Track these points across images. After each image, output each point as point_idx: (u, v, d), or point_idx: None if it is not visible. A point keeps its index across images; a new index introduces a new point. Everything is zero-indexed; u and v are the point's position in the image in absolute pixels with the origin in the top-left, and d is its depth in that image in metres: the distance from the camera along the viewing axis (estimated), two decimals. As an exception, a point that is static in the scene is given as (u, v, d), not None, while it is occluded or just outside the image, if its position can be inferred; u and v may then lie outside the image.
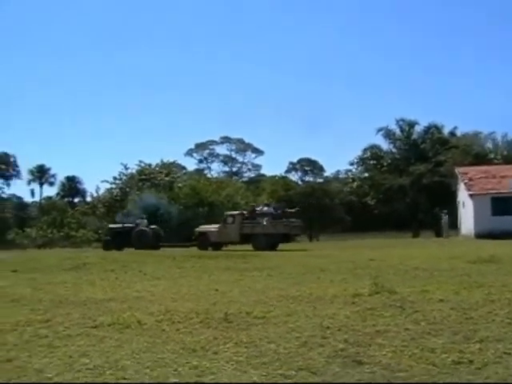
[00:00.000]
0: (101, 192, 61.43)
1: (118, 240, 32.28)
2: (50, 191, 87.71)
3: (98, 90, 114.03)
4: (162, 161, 61.68)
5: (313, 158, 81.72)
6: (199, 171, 79.54)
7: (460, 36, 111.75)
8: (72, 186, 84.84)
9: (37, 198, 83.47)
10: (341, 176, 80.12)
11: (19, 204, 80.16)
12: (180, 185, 54.68)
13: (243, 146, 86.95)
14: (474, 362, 5.32)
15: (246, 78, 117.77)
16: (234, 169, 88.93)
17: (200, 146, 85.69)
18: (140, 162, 60.46)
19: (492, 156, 61.43)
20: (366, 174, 71.30)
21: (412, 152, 66.19)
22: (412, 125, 66.93)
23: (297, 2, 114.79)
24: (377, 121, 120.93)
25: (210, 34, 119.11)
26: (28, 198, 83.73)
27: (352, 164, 72.86)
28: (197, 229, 31.20)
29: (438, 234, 46.91)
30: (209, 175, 76.87)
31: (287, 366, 5.31)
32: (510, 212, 34.56)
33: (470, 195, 37.16)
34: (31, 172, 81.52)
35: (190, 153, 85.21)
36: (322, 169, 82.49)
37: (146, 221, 34.41)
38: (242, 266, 17.29)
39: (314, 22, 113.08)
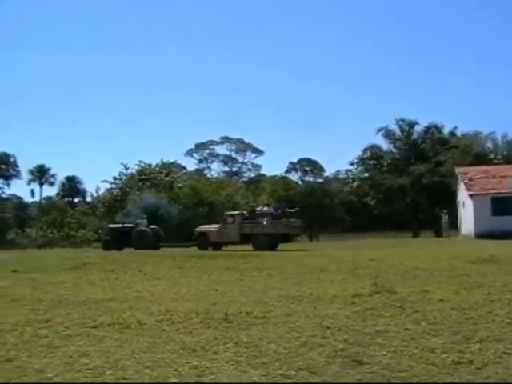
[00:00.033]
0: (101, 192, 61.51)
1: (118, 240, 32.30)
2: (50, 191, 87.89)
3: (98, 90, 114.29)
4: (162, 161, 61.73)
5: (313, 158, 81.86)
6: (199, 171, 79.56)
7: (460, 36, 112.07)
8: (72, 186, 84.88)
9: (37, 198, 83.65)
10: (341, 176, 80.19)
11: (19, 204, 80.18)
12: (180, 185, 54.69)
13: (243, 146, 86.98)
14: (474, 362, 5.32)
15: (246, 77, 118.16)
16: (234, 169, 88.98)
17: (200, 146, 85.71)
18: (140, 162, 60.54)
19: (492, 156, 61.45)
20: (366, 174, 71.31)
21: (412, 152, 66.19)
22: (412, 125, 66.95)
23: (297, 2, 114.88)
24: (377, 121, 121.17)
25: (211, 34, 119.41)
26: (28, 198, 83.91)
27: (352, 164, 72.99)
28: (197, 229, 31.21)
29: (438, 234, 46.92)
30: (209, 175, 76.94)
31: (287, 366, 5.31)
32: (510, 212, 34.56)
33: (470, 195, 37.16)
34: (31, 172, 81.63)
35: (190, 153, 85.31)
36: (322, 169, 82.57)
37: (145, 221, 34.42)
38: (242, 266, 17.29)
39: (314, 22, 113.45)
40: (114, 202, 56.26)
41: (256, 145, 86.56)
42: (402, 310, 8.02)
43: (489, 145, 65.84)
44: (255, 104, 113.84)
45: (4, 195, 78.04)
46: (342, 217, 70.16)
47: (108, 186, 60.68)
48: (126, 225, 33.75)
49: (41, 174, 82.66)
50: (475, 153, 58.66)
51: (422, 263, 15.65)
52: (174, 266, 17.93)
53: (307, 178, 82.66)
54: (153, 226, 33.93)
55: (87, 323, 7.68)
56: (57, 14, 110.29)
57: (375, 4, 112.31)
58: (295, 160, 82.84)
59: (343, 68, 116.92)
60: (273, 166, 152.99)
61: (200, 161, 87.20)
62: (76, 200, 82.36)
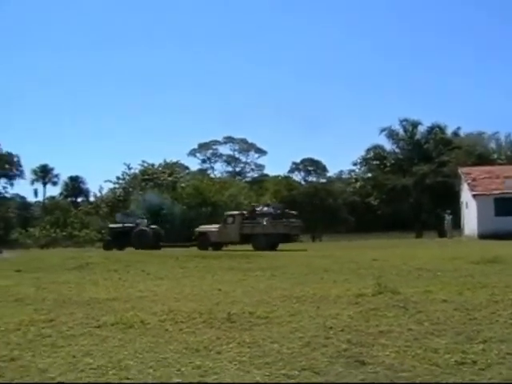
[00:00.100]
0: (104, 192, 61.71)
1: (119, 240, 32.40)
2: (54, 191, 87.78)
3: (99, 90, 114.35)
4: (165, 161, 61.86)
5: (316, 158, 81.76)
6: (202, 171, 79.58)
7: (461, 36, 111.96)
8: (75, 186, 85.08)
9: (40, 198, 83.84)
10: (344, 176, 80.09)
11: (22, 204, 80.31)
12: (183, 185, 54.71)
13: (246, 146, 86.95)
14: (478, 362, 5.31)
15: (246, 77, 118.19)
16: (237, 169, 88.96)
17: (203, 146, 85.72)
18: (143, 162, 60.66)
19: (495, 156, 61.45)
20: (369, 174, 71.29)
21: (415, 152, 66.14)
22: (415, 125, 66.92)
23: (297, 2, 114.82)
24: (378, 121, 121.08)
25: (211, 34, 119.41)
26: (31, 198, 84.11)
27: (355, 164, 72.98)
28: (197, 229, 31.27)
29: (442, 235, 46.86)
30: (212, 175, 76.94)
31: (290, 366, 5.31)
32: (513, 212, 34.52)
33: (474, 195, 37.09)
34: (34, 172, 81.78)
35: (193, 153, 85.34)
36: (325, 169, 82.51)
37: (146, 221, 34.55)
38: (245, 266, 17.30)
39: (314, 22, 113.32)
40: (117, 202, 56.39)
41: (259, 145, 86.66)
42: (405, 310, 8.01)
43: (492, 145, 65.91)
44: (256, 104, 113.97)
45: (7, 195, 78.11)
46: (345, 217, 70.13)
47: (111, 185, 60.91)
48: (126, 225, 33.82)
49: (44, 174, 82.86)
50: (479, 153, 58.63)
51: (425, 264, 15.63)
52: (177, 265, 17.94)
53: (310, 178, 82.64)
54: (153, 226, 34.01)
55: (90, 323, 7.69)
56: (57, 14, 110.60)
57: (375, 4, 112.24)
58: (298, 160, 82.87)
59: (344, 68, 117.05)
60: (276, 166, 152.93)
61: (203, 161, 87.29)
62: (79, 200, 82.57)
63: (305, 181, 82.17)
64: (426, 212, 61.68)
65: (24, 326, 7.56)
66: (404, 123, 66.87)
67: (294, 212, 31.45)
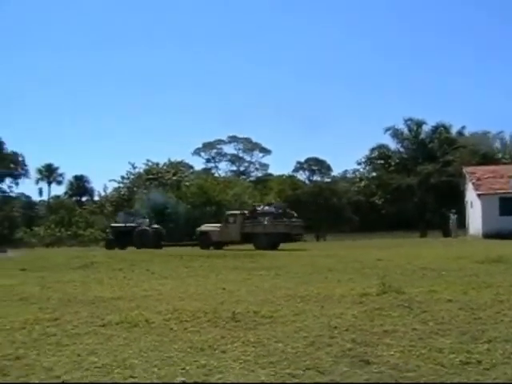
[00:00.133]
0: (108, 191, 61.75)
1: (121, 239, 32.52)
2: (58, 190, 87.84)
3: (99, 90, 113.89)
4: (169, 160, 61.90)
5: (320, 157, 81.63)
6: (207, 170, 79.53)
7: (465, 35, 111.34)
8: (80, 185, 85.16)
9: (45, 197, 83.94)
10: (348, 176, 79.92)
11: (27, 203, 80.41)
12: (187, 184, 54.75)
13: (251, 146, 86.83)
14: (483, 362, 5.30)
15: (246, 77, 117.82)
16: (242, 168, 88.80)
17: (208, 146, 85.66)
18: (148, 161, 60.71)
19: (500, 156, 61.26)
20: (374, 174, 71.16)
21: (420, 152, 66.01)
22: (420, 124, 66.77)
23: (297, 2, 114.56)
24: (384, 121, 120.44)
25: (211, 34, 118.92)
26: (36, 197, 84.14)
27: (359, 164, 72.79)
28: (198, 228, 31.36)
29: (446, 234, 46.77)
30: (216, 174, 76.92)
31: (295, 366, 5.32)
32: (518, 212, 34.45)
33: (478, 195, 37.02)
34: (39, 171, 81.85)
35: (197, 152, 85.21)
36: (329, 168, 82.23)
37: (147, 220, 34.64)
38: (249, 265, 17.31)
39: (314, 22, 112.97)
40: (121, 201, 56.42)
41: (263, 144, 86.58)
42: (409, 309, 8.01)
43: (497, 144, 65.72)
44: (257, 104, 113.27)
45: (12, 194, 78.30)
46: (350, 216, 69.99)
47: (116, 185, 60.95)
48: (128, 224, 33.91)
49: (49, 173, 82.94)
50: (483, 152, 58.48)
51: (429, 263, 15.61)
52: (181, 265, 17.97)
53: (315, 178, 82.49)
54: (155, 226, 34.08)
55: (95, 322, 7.71)
56: (57, 14, 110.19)
57: (375, 4, 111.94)
58: (303, 159, 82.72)
59: (345, 67, 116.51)
60: (280, 165, 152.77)
61: (207, 160, 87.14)
62: (84, 199, 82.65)
63: (309, 180, 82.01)
64: (430, 211, 61.52)
65: (29, 325, 7.59)
66: (408, 122, 66.76)
67: (293, 212, 31.45)
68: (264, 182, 77.26)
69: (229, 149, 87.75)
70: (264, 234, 28.37)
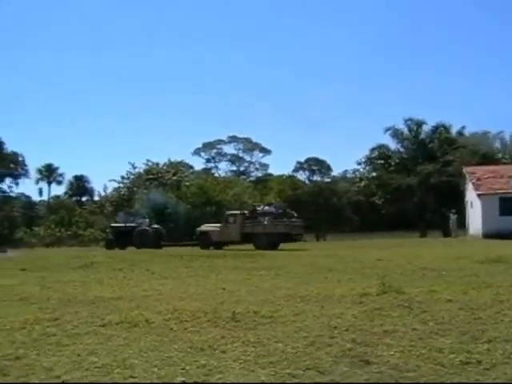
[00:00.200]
0: (108, 191, 61.76)
1: (121, 239, 32.55)
2: (58, 190, 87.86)
3: (99, 90, 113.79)
4: (169, 160, 61.90)
5: (320, 157, 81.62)
6: (207, 170, 79.54)
7: (469, 35, 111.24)
8: (80, 185, 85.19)
9: (45, 197, 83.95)
10: (348, 176, 79.92)
11: (27, 203, 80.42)
12: (187, 184, 54.76)
13: (251, 146, 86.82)
14: (483, 362, 5.30)
15: (249, 78, 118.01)
16: (242, 168, 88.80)
17: (208, 146, 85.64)
18: (148, 161, 60.74)
19: (500, 156, 61.26)
20: (374, 174, 71.18)
21: (420, 151, 66.03)
22: (420, 124, 66.80)
23: (297, 2, 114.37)
24: (384, 120, 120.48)
25: (211, 34, 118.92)
26: (36, 197, 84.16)
27: (359, 164, 72.82)
28: (198, 228, 31.39)
29: (446, 234, 46.78)
30: (216, 174, 76.92)
31: (295, 366, 5.32)
32: (518, 212, 34.45)
33: (478, 195, 37.02)
34: (39, 171, 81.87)
35: (197, 152, 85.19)
36: (329, 168, 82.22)
37: (147, 220, 34.66)
38: (249, 265, 17.32)
39: (314, 21, 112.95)
40: (121, 201, 56.44)
41: (263, 144, 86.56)
42: (409, 309, 8.01)
43: (497, 144, 65.74)
44: (257, 104, 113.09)
45: (12, 194, 78.34)
46: (350, 216, 69.99)
47: (116, 185, 60.97)
48: (128, 224, 33.94)
49: (49, 173, 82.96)
50: (483, 152, 58.49)
51: (429, 263, 15.62)
52: (181, 265, 17.97)
53: (315, 178, 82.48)
54: (155, 226, 34.10)
55: (95, 322, 7.71)
56: (57, 14, 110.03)
57: (375, 4, 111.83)
58: (303, 159, 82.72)
59: (344, 67, 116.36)
60: (280, 165, 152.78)
61: (207, 160, 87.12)
62: (84, 199, 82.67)
63: (309, 180, 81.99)
64: (430, 211, 61.52)
65: (29, 325, 7.59)
66: (408, 122, 66.80)
67: (293, 212, 31.46)
68: (264, 182, 77.27)
69: (229, 149, 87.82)
70: (264, 234, 28.39)
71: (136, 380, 5.02)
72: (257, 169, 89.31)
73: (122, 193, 59.18)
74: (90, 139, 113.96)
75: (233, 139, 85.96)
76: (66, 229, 54.28)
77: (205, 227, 31.16)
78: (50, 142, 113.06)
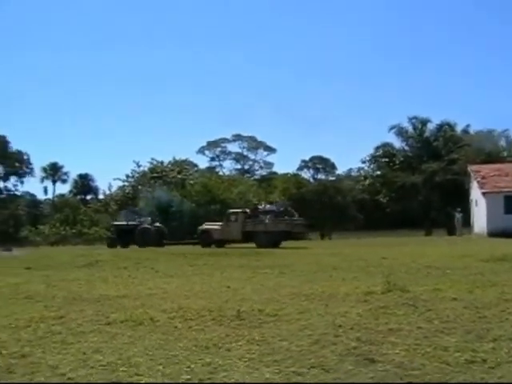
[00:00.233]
0: (113, 189, 61.94)
1: (123, 237, 32.59)
2: (63, 189, 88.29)
3: (99, 90, 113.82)
4: (174, 158, 62.00)
5: (325, 155, 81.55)
6: (211, 169, 79.61)
7: (473, 34, 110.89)
8: (84, 184, 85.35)
9: (50, 196, 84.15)
10: (353, 174, 79.84)
11: (32, 201, 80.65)
12: (192, 182, 54.81)
13: (255, 144, 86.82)
14: (488, 361, 5.29)
15: (249, 77, 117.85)
16: (246, 166, 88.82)
17: (212, 144, 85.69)
18: (152, 159, 60.90)
19: (505, 154, 61.07)
20: (378, 172, 71.09)
21: (424, 150, 65.92)
22: (424, 122, 66.74)
23: (297, 2, 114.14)
24: (388, 119, 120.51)
25: (211, 34, 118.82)
26: (41, 196, 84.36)
27: (364, 162, 72.78)
28: (200, 227, 31.43)
29: (451, 233, 46.66)
30: (221, 173, 76.96)
31: (299, 364, 5.32)
32: (523, 210, 34.36)
33: (483, 193, 36.90)
34: (44, 170, 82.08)
35: (202, 150, 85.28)
36: (333, 167, 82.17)
37: (149, 219, 34.68)
38: (254, 263, 17.32)
39: (316, 21, 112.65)
40: (126, 200, 56.56)
41: (268, 143, 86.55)
42: (414, 308, 8.00)
43: (502, 143, 65.50)
44: (259, 103, 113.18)
45: (17, 192, 78.60)
46: (354, 215, 69.90)
47: (120, 183, 61.13)
48: (130, 222, 34.00)
49: (54, 172, 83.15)
50: (488, 151, 58.30)
51: (434, 261, 15.59)
52: (186, 263, 17.98)
53: (319, 176, 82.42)
54: (157, 224, 34.12)
55: (100, 320, 7.73)
56: (57, 14, 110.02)
57: (376, 4, 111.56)
58: (307, 158, 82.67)
59: (348, 66, 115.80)
60: (285, 163, 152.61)
61: (212, 158, 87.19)
62: (88, 197, 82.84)
63: (314, 178, 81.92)
64: (435, 210, 61.43)
65: (34, 323, 7.61)
66: (413, 121, 66.75)
67: (293, 211, 31.46)
68: (268, 180, 77.23)
69: (233, 147, 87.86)
70: (265, 233, 28.41)
71: (141, 378, 5.02)
72: (261, 167, 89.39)
73: (127, 191, 59.32)
74: (92, 139, 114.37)
75: (237, 138, 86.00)
76: (71, 227, 54.38)
77: (206, 225, 31.21)
78: (55, 142, 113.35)
